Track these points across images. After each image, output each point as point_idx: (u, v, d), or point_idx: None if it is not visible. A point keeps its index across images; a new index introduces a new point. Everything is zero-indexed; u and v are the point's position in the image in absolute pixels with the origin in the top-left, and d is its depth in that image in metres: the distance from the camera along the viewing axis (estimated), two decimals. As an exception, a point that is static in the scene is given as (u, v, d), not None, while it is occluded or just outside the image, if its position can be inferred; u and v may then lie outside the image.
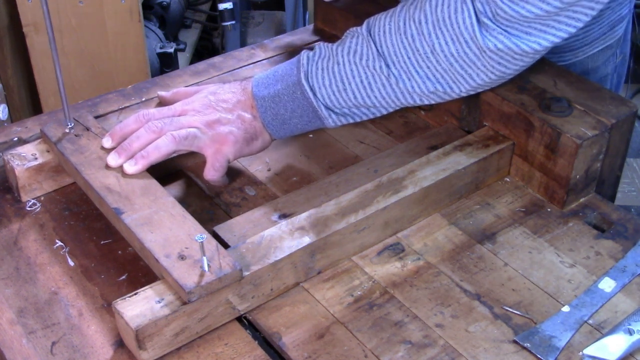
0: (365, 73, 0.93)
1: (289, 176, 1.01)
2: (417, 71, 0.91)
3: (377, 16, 0.95)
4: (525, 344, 0.78)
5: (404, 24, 0.91)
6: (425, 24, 0.89)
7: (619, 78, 1.25)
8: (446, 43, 0.89)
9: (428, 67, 0.91)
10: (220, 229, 0.87)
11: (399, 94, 0.93)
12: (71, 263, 0.88)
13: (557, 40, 0.88)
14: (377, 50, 0.92)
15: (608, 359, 0.77)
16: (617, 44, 1.19)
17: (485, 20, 0.86)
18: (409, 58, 0.91)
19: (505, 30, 0.87)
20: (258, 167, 1.03)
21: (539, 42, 0.87)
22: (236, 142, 0.95)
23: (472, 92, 0.94)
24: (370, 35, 0.93)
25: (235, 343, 0.79)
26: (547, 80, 1.01)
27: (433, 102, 0.95)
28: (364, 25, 0.95)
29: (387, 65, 0.92)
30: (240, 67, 1.19)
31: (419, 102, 0.95)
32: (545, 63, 1.03)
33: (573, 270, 0.87)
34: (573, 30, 0.87)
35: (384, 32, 0.92)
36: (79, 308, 0.83)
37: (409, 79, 0.92)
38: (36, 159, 0.95)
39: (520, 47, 0.87)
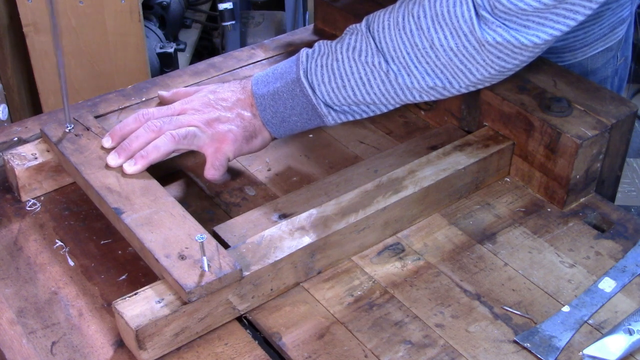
0: (365, 69, 0.93)
1: (289, 176, 1.01)
2: (416, 66, 0.91)
3: (376, 13, 0.95)
4: (525, 344, 0.78)
5: (403, 19, 0.91)
6: (424, 18, 0.89)
7: (620, 82, 1.25)
8: (445, 37, 0.89)
9: (427, 63, 0.91)
10: (220, 229, 0.87)
11: (398, 90, 0.93)
12: (71, 263, 0.88)
13: (556, 33, 0.87)
14: (376, 46, 0.92)
15: (608, 359, 0.77)
16: (618, 46, 1.18)
17: (484, 13, 0.86)
18: (408, 53, 0.91)
19: (504, 24, 0.87)
20: (258, 167, 1.03)
21: (538, 35, 0.87)
22: (236, 140, 0.95)
23: (471, 88, 0.94)
24: (369, 31, 0.93)
25: (236, 343, 0.79)
26: (547, 80, 1.01)
27: (433, 99, 0.95)
28: (363, 22, 0.95)
29: (386, 61, 0.92)
30: (240, 67, 1.19)
31: (418, 99, 0.95)
32: (545, 63, 1.03)
33: (573, 270, 0.87)
34: (572, 24, 0.87)
35: (383, 27, 0.92)
36: (79, 308, 0.83)
37: (408, 75, 0.92)
38: (36, 158, 0.95)
39: (520, 40, 0.87)
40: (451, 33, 0.88)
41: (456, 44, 0.89)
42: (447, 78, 0.92)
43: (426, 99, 0.95)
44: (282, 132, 0.98)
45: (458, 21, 0.87)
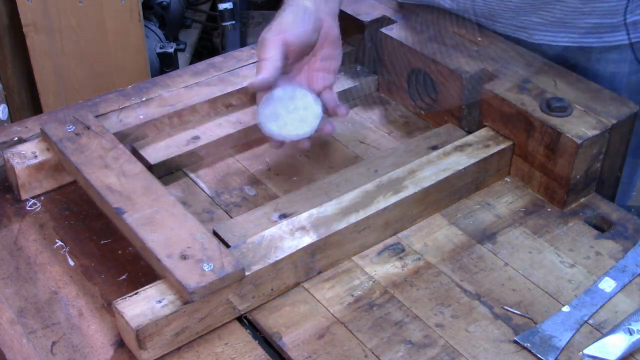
0: None
1: (289, 176, 1.01)
2: None
3: None
4: (526, 344, 0.78)
5: None
6: None
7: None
8: None
9: None
10: (221, 228, 0.87)
11: None
12: (71, 263, 0.88)
13: None
14: None
15: (608, 359, 0.77)
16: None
17: None
18: None
19: None
20: (258, 167, 1.03)
21: None
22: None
23: None
24: None
25: (236, 343, 0.79)
26: (547, 81, 1.01)
27: None
28: None
29: None
30: (240, 67, 1.19)
31: None
32: (546, 63, 1.03)
33: (573, 270, 0.87)
34: None
35: None
36: (79, 308, 0.83)
37: None
38: (36, 157, 0.95)
39: None
40: None
41: None
42: None
43: None
44: None
45: None
